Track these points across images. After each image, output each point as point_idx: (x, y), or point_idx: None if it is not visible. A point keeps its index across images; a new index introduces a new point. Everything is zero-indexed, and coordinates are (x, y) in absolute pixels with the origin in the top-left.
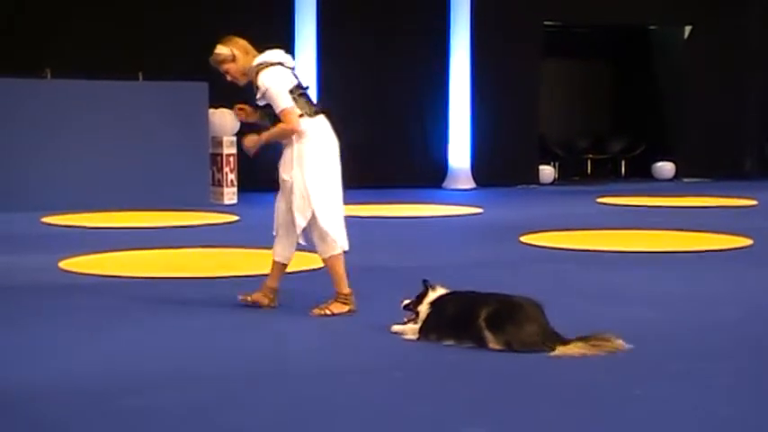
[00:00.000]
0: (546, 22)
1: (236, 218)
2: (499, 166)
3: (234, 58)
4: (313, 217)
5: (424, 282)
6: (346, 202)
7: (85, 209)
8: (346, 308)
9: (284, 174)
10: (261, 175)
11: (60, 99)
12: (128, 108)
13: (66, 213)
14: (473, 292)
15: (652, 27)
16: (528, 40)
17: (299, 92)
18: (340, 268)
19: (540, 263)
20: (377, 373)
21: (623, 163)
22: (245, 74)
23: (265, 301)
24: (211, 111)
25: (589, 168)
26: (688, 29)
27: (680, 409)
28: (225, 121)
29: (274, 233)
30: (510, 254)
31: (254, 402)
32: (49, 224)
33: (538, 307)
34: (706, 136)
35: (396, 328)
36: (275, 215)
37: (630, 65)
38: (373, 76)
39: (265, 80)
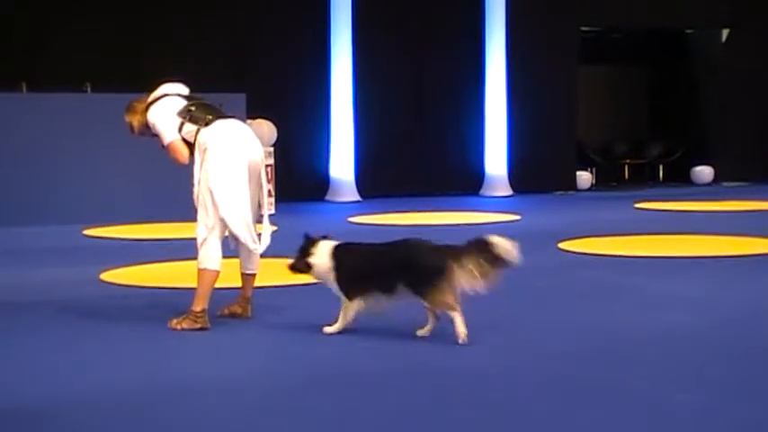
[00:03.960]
0: (582, 28)
1: (274, 228)
2: (536, 172)
3: (132, 126)
4: (223, 224)
5: (306, 235)
6: (383, 210)
7: (127, 221)
8: (198, 325)
9: (200, 180)
10: (299, 185)
11: (100, 112)
12: None
13: (108, 226)
14: (371, 244)
15: (689, 31)
16: (564, 46)
17: (191, 107)
18: (209, 284)
19: (578, 269)
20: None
21: (661, 168)
22: (147, 125)
23: (239, 310)
24: (249, 121)
25: (627, 174)
26: (726, 32)
27: (719, 413)
28: (262, 131)
29: (232, 246)
30: (548, 260)
31: (301, 409)
32: (91, 236)
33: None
34: (745, 140)
35: (328, 329)
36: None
37: (668, 69)
38: (409, 84)
39: (150, 117)
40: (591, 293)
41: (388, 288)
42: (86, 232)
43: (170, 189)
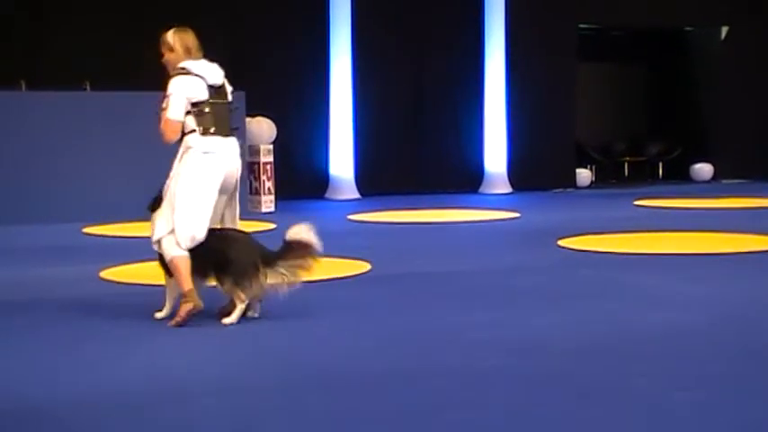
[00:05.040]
0: (581, 26)
1: (273, 226)
2: (535, 170)
3: (173, 50)
4: (172, 230)
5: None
6: (382, 207)
7: (126, 219)
8: (191, 304)
9: (171, 179)
10: (298, 183)
11: (99, 110)
12: None
13: (108, 224)
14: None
15: (688, 28)
16: (563, 44)
17: (206, 108)
18: (185, 269)
19: (578, 266)
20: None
21: (661, 165)
22: (173, 68)
23: (192, 305)
24: (248, 119)
25: (626, 171)
26: (725, 30)
27: (719, 411)
28: (262, 129)
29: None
30: (548, 258)
31: (301, 409)
32: (90, 234)
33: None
34: (744, 137)
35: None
36: None
37: (667, 67)
38: (408, 82)
39: (171, 86)
40: (590, 291)
41: (202, 271)
42: (86, 230)
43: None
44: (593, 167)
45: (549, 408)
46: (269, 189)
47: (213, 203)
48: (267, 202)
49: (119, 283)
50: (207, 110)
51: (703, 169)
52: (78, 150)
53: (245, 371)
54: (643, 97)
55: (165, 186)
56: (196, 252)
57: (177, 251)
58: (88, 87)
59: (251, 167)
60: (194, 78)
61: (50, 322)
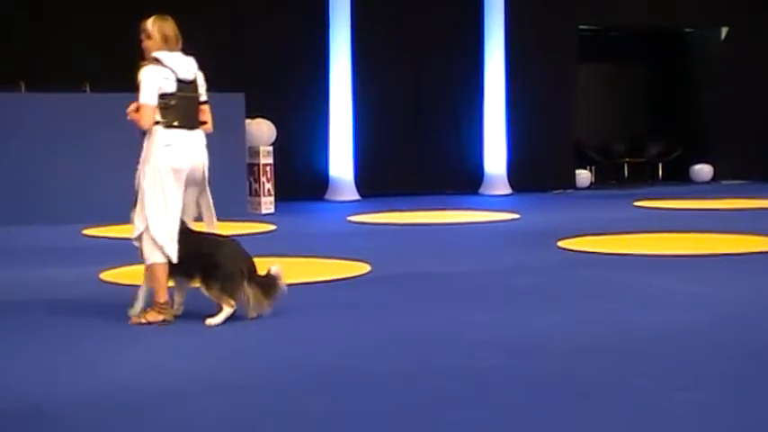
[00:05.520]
0: (581, 26)
1: (273, 227)
2: (535, 171)
3: (150, 37)
4: (147, 227)
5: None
6: (382, 209)
7: (126, 221)
8: (161, 317)
9: (139, 174)
10: (298, 184)
11: (98, 112)
12: None
13: (108, 225)
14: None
15: (688, 29)
16: (563, 45)
17: (173, 99)
18: (162, 277)
19: (578, 267)
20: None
21: (660, 166)
22: (148, 55)
23: (163, 318)
24: (248, 121)
25: (626, 172)
26: (725, 30)
27: (719, 411)
28: (261, 131)
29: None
30: (548, 259)
31: (298, 411)
32: (90, 236)
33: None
34: (744, 138)
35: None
36: None
37: (666, 68)
38: (408, 83)
39: (142, 74)
40: (590, 291)
41: (189, 274)
42: (85, 232)
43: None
44: (593, 168)
45: (549, 408)
46: (269, 190)
47: (180, 195)
48: (267, 204)
49: (119, 284)
50: (173, 102)
51: (703, 170)
52: (78, 152)
53: (244, 371)
54: (643, 98)
55: (136, 181)
56: (183, 254)
57: (156, 257)
58: (88, 89)
59: (251, 169)
60: (164, 70)
61: (50, 323)
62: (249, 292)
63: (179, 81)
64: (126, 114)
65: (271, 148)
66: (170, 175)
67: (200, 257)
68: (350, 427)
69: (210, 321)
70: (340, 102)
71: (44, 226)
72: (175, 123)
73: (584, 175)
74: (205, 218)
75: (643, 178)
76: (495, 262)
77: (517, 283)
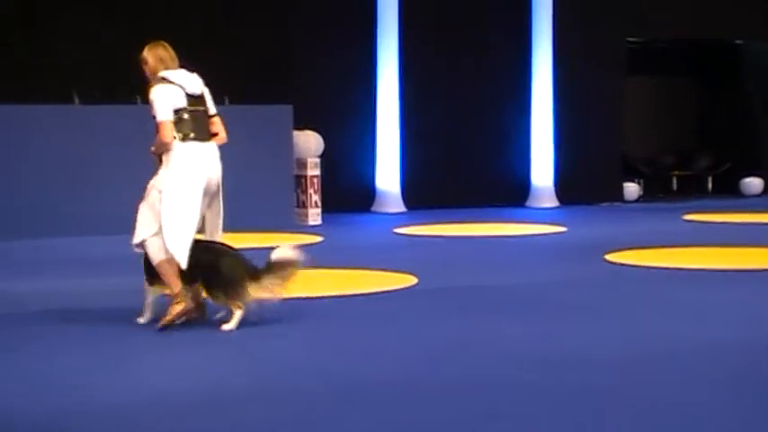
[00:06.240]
0: (629, 39)
1: (320, 239)
2: (583, 183)
3: (146, 63)
4: (159, 232)
5: None
6: (428, 221)
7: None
8: (180, 306)
9: (155, 183)
10: (345, 196)
11: (146, 123)
12: None
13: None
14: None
15: (738, 41)
16: (611, 57)
17: (185, 113)
18: (171, 271)
19: (625, 281)
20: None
21: (710, 179)
22: (152, 78)
23: (183, 305)
24: (296, 133)
25: (675, 185)
26: None
27: (761, 427)
28: (309, 142)
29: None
30: (595, 272)
31: (340, 422)
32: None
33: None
34: None
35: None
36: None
37: (716, 80)
38: (455, 94)
39: (152, 94)
40: (637, 305)
41: (191, 282)
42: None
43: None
44: (641, 181)
45: (595, 421)
46: (316, 202)
47: (198, 207)
48: (314, 216)
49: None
50: (185, 116)
51: (753, 183)
52: (130, 163)
53: (283, 381)
54: (692, 110)
55: (148, 188)
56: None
57: (163, 255)
58: (139, 101)
59: (298, 181)
60: (173, 87)
61: (92, 334)
62: (266, 283)
63: (188, 95)
64: (149, 153)
65: (318, 160)
66: (187, 186)
67: (201, 265)
68: None
69: (226, 327)
70: (387, 113)
71: (99, 236)
72: (191, 136)
73: (632, 188)
74: (210, 225)
75: (692, 191)
76: (542, 275)
77: (563, 296)
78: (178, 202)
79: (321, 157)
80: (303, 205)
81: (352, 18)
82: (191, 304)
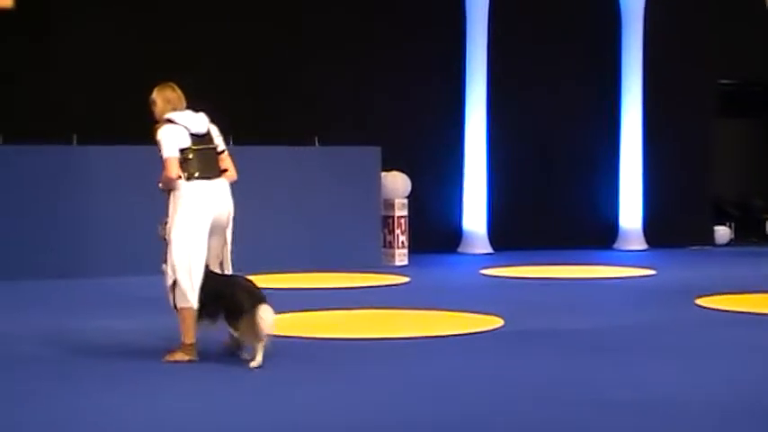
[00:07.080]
0: (721, 81)
1: (407, 279)
2: (672, 226)
3: (155, 104)
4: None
5: None
6: (515, 262)
7: (261, 270)
8: (187, 357)
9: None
10: (432, 236)
11: (243, 164)
12: (304, 172)
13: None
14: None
15: None
16: (702, 98)
17: (190, 154)
18: (189, 320)
19: (717, 327)
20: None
21: None
22: (160, 119)
23: (189, 358)
24: (383, 174)
25: (767, 229)
26: None
27: None
28: (396, 183)
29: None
30: (685, 317)
31: None
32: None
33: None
34: None
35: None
36: None
37: None
38: (542, 135)
39: (159, 134)
40: (728, 351)
41: (213, 316)
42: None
43: (304, 239)
44: (732, 225)
45: None
46: (403, 243)
47: (204, 246)
48: (401, 256)
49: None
50: (190, 156)
51: None
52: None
53: (359, 419)
54: None
55: (163, 230)
56: (205, 298)
57: (185, 302)
58: (231, 141)
59: (385, 221)
60: (177, 127)
61: (167, 373)
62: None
63: (192, 135)
64: (157, 185)
65: (405, 201)
66: (194, 225)
67: (221, 299)
68: None
69: (254, 364)
70: (474, 154)
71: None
72: (196, 174)
73: (722, 232)
74: (210, 255)
75: None
76: (630, 318)
77: (652, 341)
78: (185, 243)
79: (408, 197)
80: (390, 246)
81: (441, 60)
82: (196, 358)
